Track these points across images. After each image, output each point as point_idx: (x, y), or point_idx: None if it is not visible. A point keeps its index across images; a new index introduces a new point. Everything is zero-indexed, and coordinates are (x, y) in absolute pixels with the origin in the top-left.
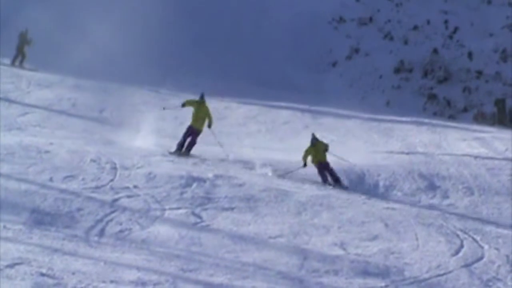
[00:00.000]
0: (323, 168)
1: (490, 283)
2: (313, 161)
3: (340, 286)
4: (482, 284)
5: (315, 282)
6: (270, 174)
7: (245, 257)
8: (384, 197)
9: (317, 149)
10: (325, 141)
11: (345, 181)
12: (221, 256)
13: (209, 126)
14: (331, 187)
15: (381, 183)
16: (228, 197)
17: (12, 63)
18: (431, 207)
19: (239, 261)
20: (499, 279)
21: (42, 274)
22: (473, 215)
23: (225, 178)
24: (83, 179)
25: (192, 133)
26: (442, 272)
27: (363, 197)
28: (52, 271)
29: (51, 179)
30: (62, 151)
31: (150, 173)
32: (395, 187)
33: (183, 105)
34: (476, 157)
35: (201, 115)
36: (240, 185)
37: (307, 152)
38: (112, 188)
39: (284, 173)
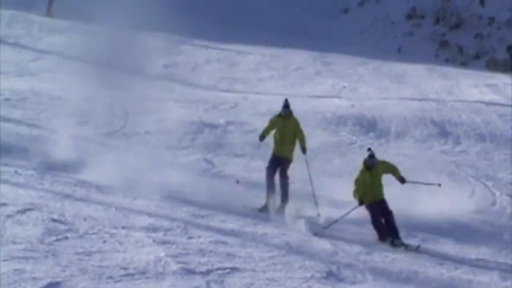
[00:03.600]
0: (379, 209)
1: (502, 230)
2: (363, 197)
3: (352, 233)
4: (494, 231)
5: (327, 229)
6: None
7: (257, 203)
8: (395, 143)
9: (373, 176)
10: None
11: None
12: (233, 202)
13: (303, 150)
14: (392, 247)
15: (392, 130)
16: (240, 143)
17: (48, 12)
18: (442, 153)
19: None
20: (511, 226)
21: (54, 220)
22: (485, 162)
23: (236, 124)
24: (95, 125)
25: (279, 163)
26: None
27: (374, 143)
28: (63, 216)
29: (62, 125)
30: (73, 97)
31: (161, 119)
32: (407, 134)
33: (262, 137)
34: (488, 103)
35: (288, 133)
36: (252, 131)
37: (358, 182)
38: (124, 134)
39: (325, 228)
